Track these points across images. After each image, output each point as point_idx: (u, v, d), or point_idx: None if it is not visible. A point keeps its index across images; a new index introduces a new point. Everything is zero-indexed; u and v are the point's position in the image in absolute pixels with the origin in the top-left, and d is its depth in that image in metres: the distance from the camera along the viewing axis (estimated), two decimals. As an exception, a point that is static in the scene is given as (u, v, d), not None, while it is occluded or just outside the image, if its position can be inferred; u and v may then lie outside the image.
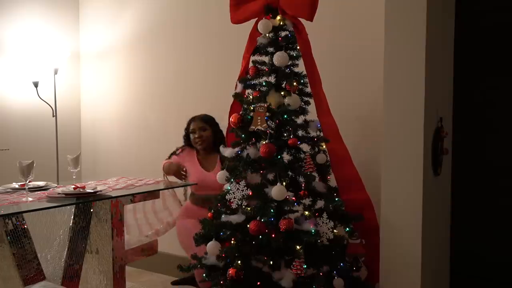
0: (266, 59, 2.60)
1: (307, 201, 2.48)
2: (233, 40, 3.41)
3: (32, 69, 4.04)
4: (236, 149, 2.55)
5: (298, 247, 2.27)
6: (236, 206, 2.48)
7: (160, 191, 3.08)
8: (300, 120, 2.52)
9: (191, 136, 3.26)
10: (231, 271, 2.35)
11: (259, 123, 2.41)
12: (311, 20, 2.51)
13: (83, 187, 2.55)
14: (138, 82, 4.20)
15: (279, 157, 2.42)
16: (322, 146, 2.57)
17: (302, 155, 2.49)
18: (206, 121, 3.23)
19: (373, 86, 2.85)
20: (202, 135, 3.20)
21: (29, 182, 2.46)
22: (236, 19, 2.74)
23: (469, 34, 2.59)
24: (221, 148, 2.66)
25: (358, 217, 2.51)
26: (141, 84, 4.18)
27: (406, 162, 2.26)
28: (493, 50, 2.57)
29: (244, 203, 2.45)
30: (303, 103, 2.54)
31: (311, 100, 2.62)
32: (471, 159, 2.64)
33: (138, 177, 3.24)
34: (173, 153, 3.33)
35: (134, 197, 2.86)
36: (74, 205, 2.60)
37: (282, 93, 2.48)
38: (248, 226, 2.33)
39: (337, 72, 3.04)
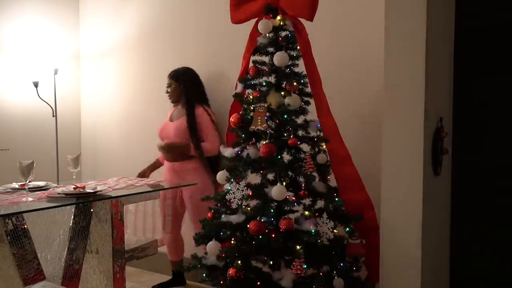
0: (266, 59, 2.61)
1: (307, 201, 2.48)
2: (233, 40, 3.41)
3: (32, 69, 4.03)
4: (236, 149, 2.55)
5: (298, 247, 2.27)
6: (236, 206, 2.48)
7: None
8: (300, 120, 2.52)
9: None
10: (231, 271, 2.35)
11: (259, 123, 2.41)
12: (311, 20, 2.51)
13: (83, 187, 2.55)
14: (138, 81, 4.20)
15: (279, 157, 2.42)
16: (322, 146, 2.57)
17: (302, 155, 2.49)
18: (172, 77, 3.45)
19: (373, 86, 2.85)
20: (168, 90, 3.46)
21: (29, 182, 2.46)
22: (237, 19, 2.75)
23: (467, 34, 2.59)
24: (221, 148, 2.67)
25: (358, 217, 2.51)
26: (141, 84, 4.18)
27: (406, 162, 2.25)
28: (489, 50, 2.57)
29: (244, 203, 2.45)
30: (303, 103, 2.54)
31: (311, 100, 2.62)
32: (471, 159, 2.64)
33: (139, 178, 3.24)
34: None
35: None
36: (74, 205, 2.60)
37: (282, 93, 2.48)
38: (248, 226, 2.33)
39: (337, 72, 3.03)
